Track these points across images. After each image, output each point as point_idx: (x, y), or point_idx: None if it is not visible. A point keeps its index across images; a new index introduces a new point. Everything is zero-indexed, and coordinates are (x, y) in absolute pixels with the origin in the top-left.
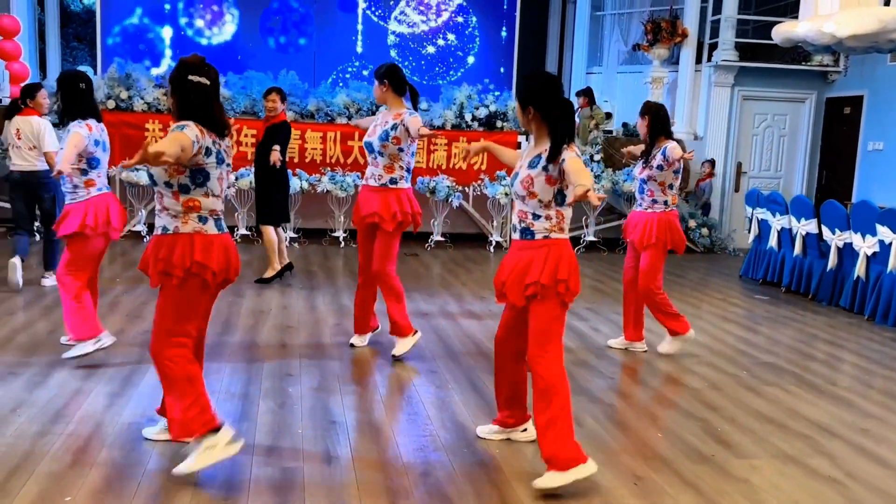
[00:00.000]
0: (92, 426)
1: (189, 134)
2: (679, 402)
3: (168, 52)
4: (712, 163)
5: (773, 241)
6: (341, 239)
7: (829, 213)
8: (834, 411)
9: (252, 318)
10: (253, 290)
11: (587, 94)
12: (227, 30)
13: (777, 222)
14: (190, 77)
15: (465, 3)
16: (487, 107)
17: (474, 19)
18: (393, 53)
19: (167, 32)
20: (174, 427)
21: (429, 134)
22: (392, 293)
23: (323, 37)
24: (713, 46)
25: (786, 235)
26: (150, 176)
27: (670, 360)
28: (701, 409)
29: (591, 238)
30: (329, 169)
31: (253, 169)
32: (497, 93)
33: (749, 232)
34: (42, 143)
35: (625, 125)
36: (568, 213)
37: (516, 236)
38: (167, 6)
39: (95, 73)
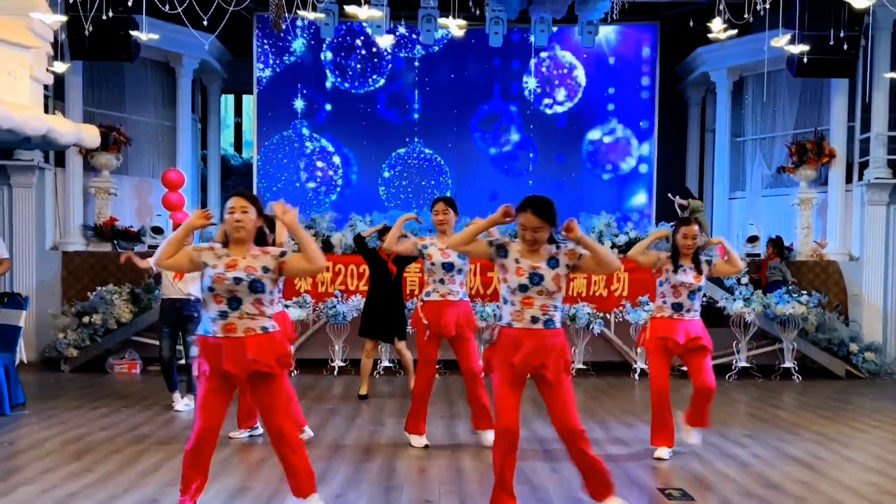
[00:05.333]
0: None
1: None
2: None
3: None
4: (774, 242)
5: None
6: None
7: None
8: None
9: (392, 446)
10: (394, 419)
11: (687, 194)
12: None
13: None
14: None
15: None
16: (627, 234)
17: (620, 151)
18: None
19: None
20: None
21: None
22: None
23: (461, 177)
24: (864, 165)
25: None
26: (260, 284)
27: (850, 491)
28: None
29: (744, 364)
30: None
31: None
32: (631, 219)
33: None
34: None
35: None
36: None
37: (539, 326)
38: (301, 162)
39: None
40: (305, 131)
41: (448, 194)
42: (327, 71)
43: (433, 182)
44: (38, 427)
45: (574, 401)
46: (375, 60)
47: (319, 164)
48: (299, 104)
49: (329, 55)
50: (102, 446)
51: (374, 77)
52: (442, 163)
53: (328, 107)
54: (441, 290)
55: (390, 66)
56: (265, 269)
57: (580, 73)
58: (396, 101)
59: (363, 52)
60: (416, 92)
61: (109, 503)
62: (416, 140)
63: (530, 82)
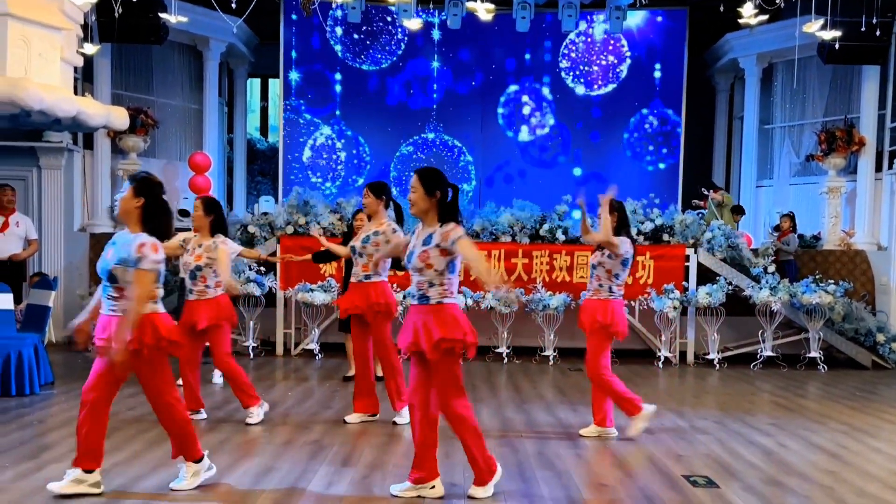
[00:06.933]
0: None
1: None
2: None
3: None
4: (790, 217)
5: None
6: (505, 355)
7: None
8: None
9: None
10: None
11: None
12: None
13: None
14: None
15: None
16: (653, 220)
17: (647, 137)
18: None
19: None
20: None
21: None
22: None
23: (486, 165)
24: (894, 153)
25: None
26: (108, 274)
27: (876, 481)
28: None
29: (769, 353)
30: None
31: None
32: (657, 206)
33: None
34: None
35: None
36: (455, 279)
37: (415, 302)
38: (322, 147)
39: (277, 202)
40: (327, 117)
41: (473, 185)
42: (348, 54)
43: (454, 171)
44: (66, 406)
45: (444, 383)
46: (395, 41)
47: (339, 149)
48: (323, 89)
49: (352, 38)
50: (130, 426)
51: (392, 59)
52: (465, 150)
53: (348, 90)
54: (354, 272)
55: (404, 46)
56: (121, 261)
57: (611, 59)
58: (415, 84)
59: (383, 32)
60: (436, 74)
61: (138, 481)
62: (435, 125)
63: (562, 64)
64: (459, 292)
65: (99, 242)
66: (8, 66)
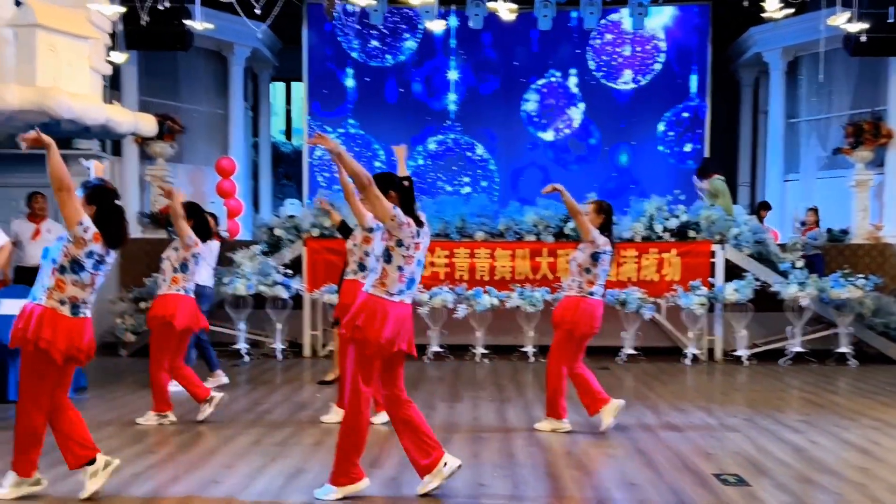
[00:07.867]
0: None
1: None
2: None
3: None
4: (815, 210)
5: None
6: (531, 354)
7: None
8: None
9: (444, 430)
10: (445, 403)
11: (707, 170)
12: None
13: None
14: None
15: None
16: (678, 217)
17: (672, 133)
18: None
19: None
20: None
21: None
22: None
23: (510, 166)
24: None
25: None
26: (45, 250)
27: None
28: None
29: (798, 349)
30: (518, 285)
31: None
32: (682, 204)
33: None
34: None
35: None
36: (392, 273)
37: None
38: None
39: (303, 205)
40: (341, 118)
41: (497, 187)
42: (364, 55)
43: (474, 170)
44: (98, 410)
45: (352, 364)
46: (414, 40)
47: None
48: (338, 90)
49: (370, 38)
50: (162, 429)
51: (410, 57)
52: (485, 150)
53: (363, 91)
54: None
55: (422, 44)
56: (60, 237)
57: (637, 49)
58: (434, 83)
59: (402, 31)
60: (457, 72)
61: (171, 483)
62: (456, 125)
63: (589, 60)
64: (485, 292)
65: (129, 248)
66: (37, 75)
